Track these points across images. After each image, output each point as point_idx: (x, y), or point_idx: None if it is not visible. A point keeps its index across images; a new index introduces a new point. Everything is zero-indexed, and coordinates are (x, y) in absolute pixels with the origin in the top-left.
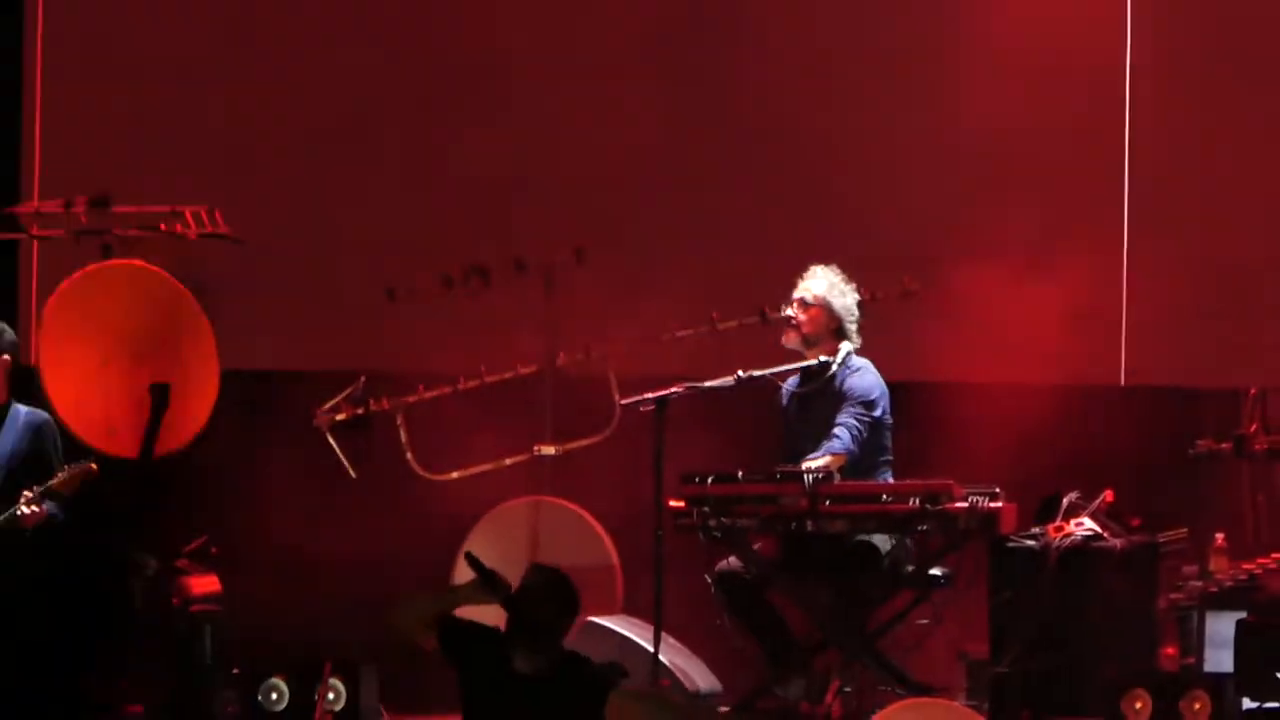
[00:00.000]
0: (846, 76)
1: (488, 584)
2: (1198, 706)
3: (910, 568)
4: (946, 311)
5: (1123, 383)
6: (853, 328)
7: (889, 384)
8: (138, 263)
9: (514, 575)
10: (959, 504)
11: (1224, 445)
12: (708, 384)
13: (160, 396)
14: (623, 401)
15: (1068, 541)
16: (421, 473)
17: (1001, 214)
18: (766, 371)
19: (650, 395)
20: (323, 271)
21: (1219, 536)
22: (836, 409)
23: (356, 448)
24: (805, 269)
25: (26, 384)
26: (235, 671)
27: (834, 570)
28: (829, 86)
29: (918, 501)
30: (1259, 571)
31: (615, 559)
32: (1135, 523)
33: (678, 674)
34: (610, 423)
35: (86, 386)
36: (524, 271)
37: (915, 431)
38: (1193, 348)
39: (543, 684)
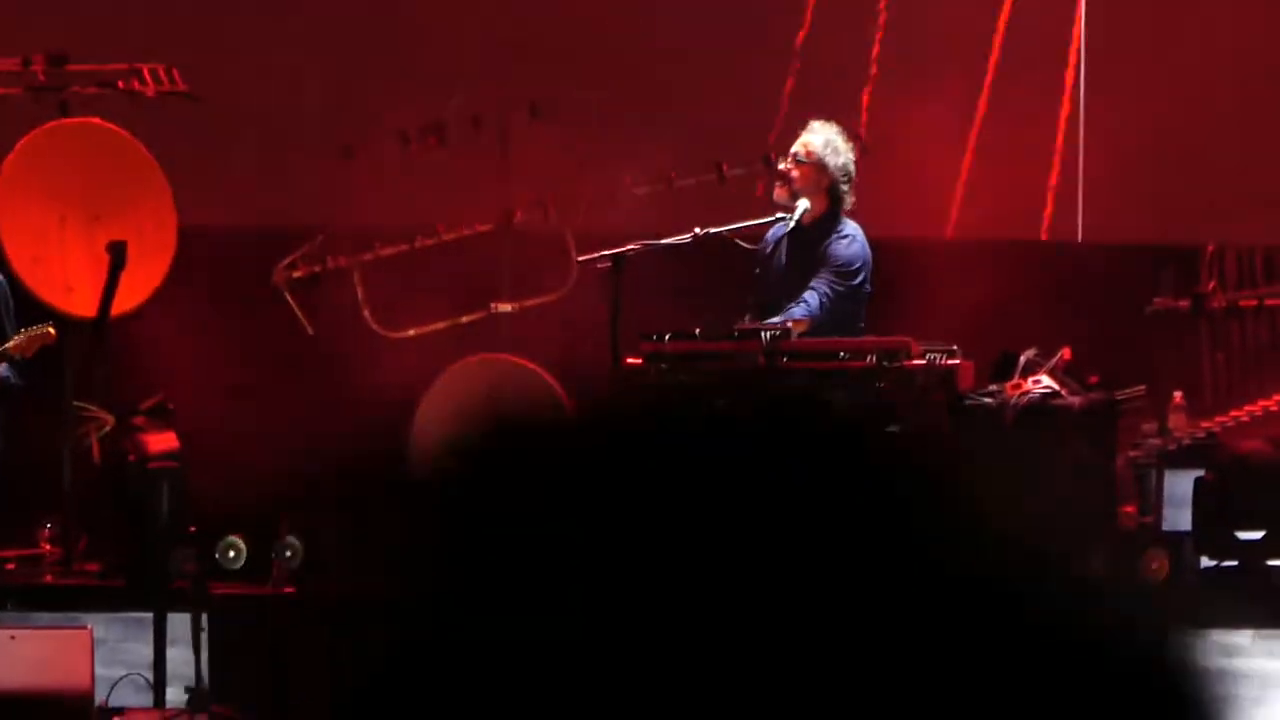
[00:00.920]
0: None
1: None
2: (1155, 564)
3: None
4: (902, 168)
5: (1080, 239)
6: (845, 188)
7: None
8: (95, 120)
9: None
10: (917, 361)
11: (1182, 303)
12: (665, 241)
13: (118, 254)
14: (579, 259)
15: (1025, 399)
16: (378, 330)
17: (957, 67)
18: (724, 229)
19: (607, 252)
20: (280, 129)
21: (1177, 394)
22: (817, 270)
23: (313, 304)
24: (765, 125)
25: None
26: (192, 529)
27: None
28: None
29: (875, 359)
30: (1217, 430)
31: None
32: (1093, 380)
33: None
34: (567, 280)
35: (44, 245)
36: (480, 128)
37: (874, 289)
38: (1150, 205)
39: None
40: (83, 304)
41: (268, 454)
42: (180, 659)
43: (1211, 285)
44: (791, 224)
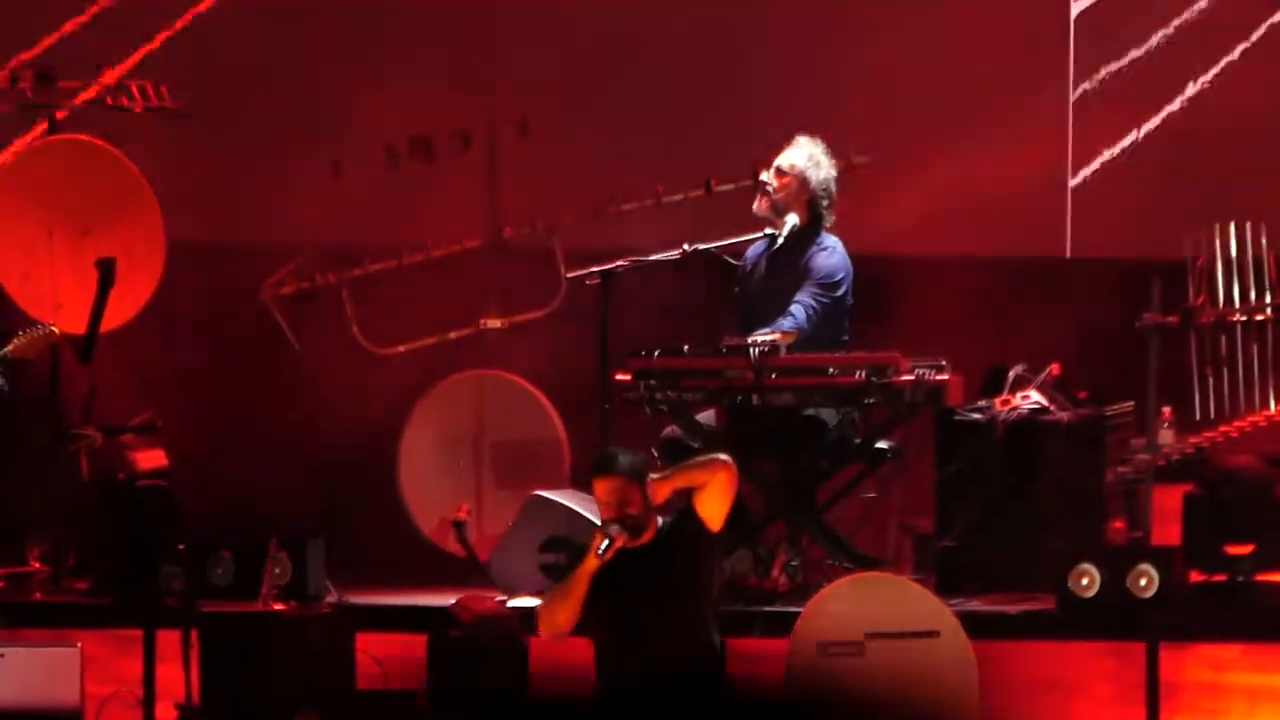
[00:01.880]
0: None
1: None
2: (1144, 581)
3: (857, 441)
4: (893, 184)
5: (1068, 255)
6: (825, 203)
7: None
8: (84, 137)
9: (460, 449)
10: (905, 377)
11: (1170, 318)
12: (654, 257)
13: (107, 271)
14: (568, 275)
15: (1014, 415)
16: (367, 346)
17: (947, 85)
18: (713, 245)
19: (595, 268)
20: (268, 145)
21: (1166, 410)
22: (798, 285)
23: (302, 321)
24: (754, 141)
25: None
26: (181, 547)
27: (780, 444)
28: None
29: (864, 374)
30: (1206, 445)
31: (562, 432)
32: (1082, 396)
33: None
34: (556, 296)
35: (33, 261)
36: (469, 145)
37: (862, 305)
38: (1139, 219)
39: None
40: (72, 320)
41: (256, 471)
42: (170, 676)
43: (1200, 300)
44: (780, 240)
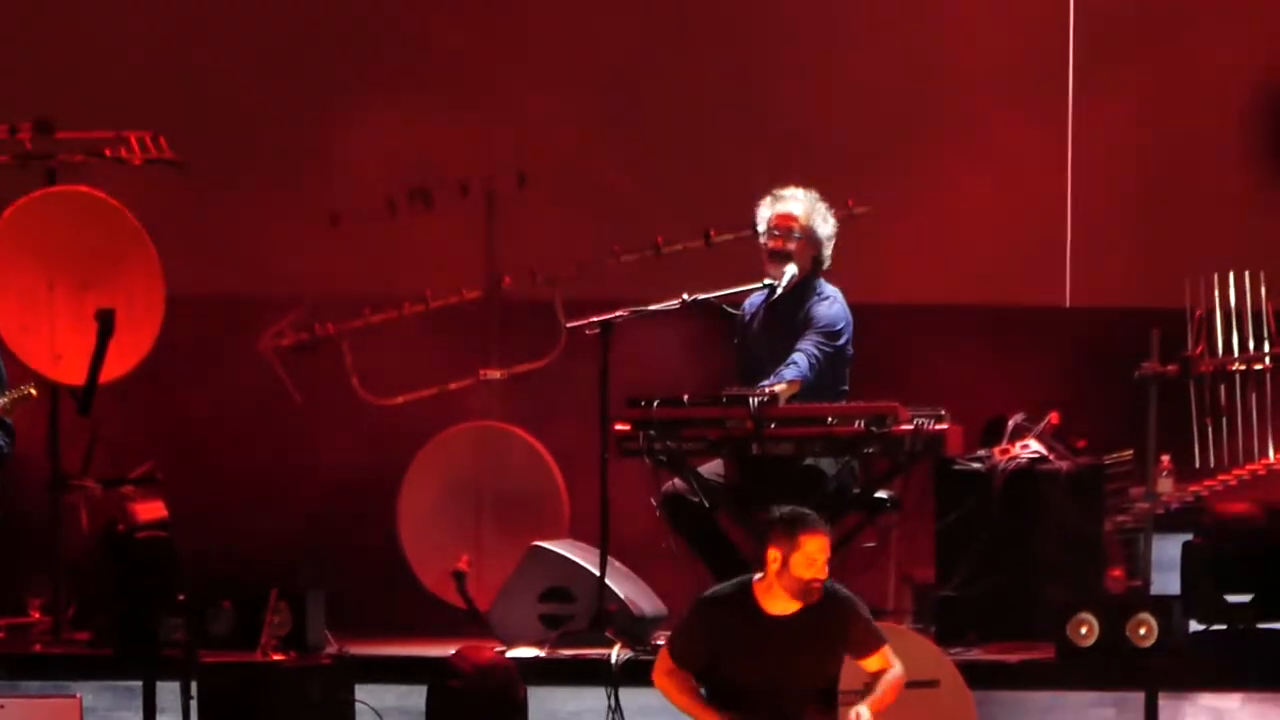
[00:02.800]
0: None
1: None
2: (1144, 630)
3: (856, 491)
4: (892, 234)
5: (1068, 304)
6: (828, 253)
7: None
8: (83, 188)
9: (460, 499)
10: (905, 426)
11: (1170, 367)
12: (653, 307)
13: (106, 322)
14: (568, 325)
15: (1013, 464)
16: (367, 398)
17: (946, 135)
18: (712, 294)
19: (595, 318)
20: (267, 196)
21: (1165, 459)
22: (799, 335)
23: (302, 373)
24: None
25: None
26: (181, 598)
27: (780, 493)
28: (770, 11)
29: (863, 424)
30: (1205, 494)
31: (561, 483)
32: (1081, 445)
33: (623, 598)
34: (556, 347)
35: (32, 312)
36: (467, 195)
37: (861, 354)
38: (1138, 269)
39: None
40: (71, 372)
41: (256, 522)
42: None
43: (1199, 350)
44: (780, 290)
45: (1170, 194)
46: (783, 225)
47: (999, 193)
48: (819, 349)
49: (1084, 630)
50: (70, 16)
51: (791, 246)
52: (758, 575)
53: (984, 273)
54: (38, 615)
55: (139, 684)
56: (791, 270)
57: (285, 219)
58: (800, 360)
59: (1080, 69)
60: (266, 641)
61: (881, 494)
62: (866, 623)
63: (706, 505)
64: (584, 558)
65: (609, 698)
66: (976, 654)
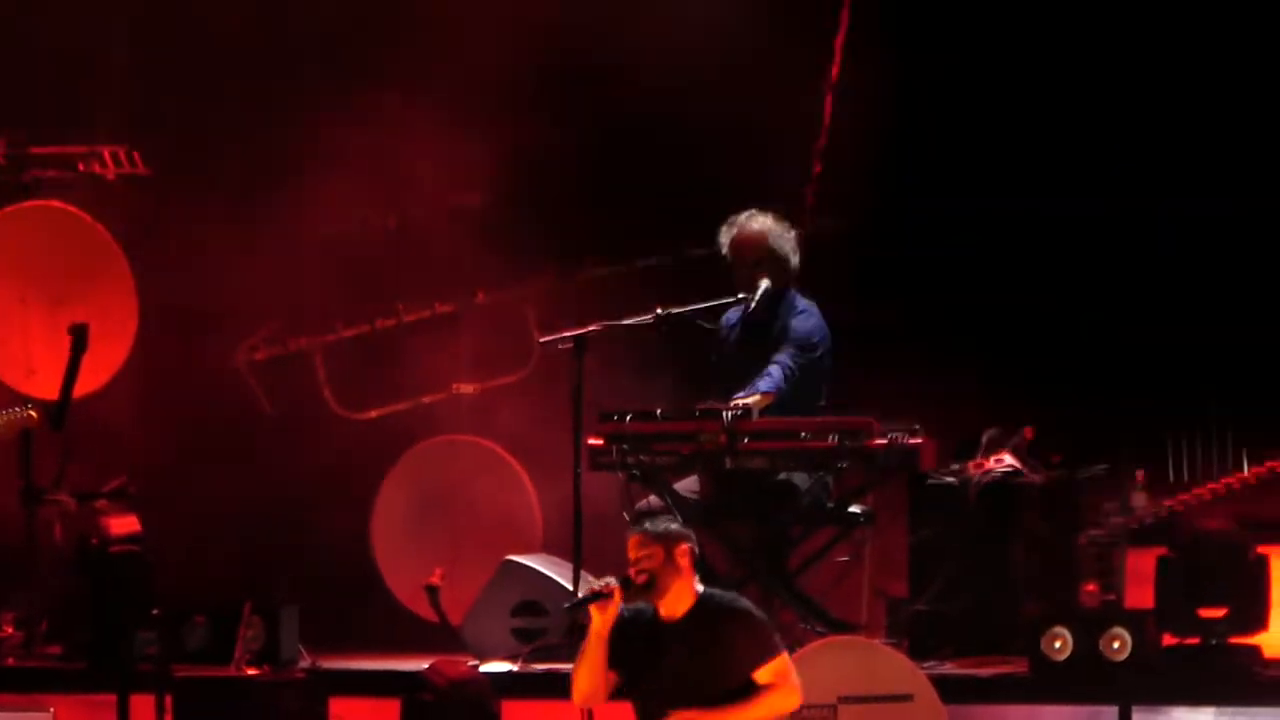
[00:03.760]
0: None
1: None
2: (1118, 644)
3: (830, 505)
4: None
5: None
6: (793, 265)
7: None
8: (56, 203)
9: (433, 513)
10: (878, 441)
11: None
12: (626, 321)
13: (79, 337)
14: (541, 339)
15: (988, 478)
16: (340, 411)
17: None
18: (685, 309)
19: (568, 333)
20: (239, 210)
21: (1139, 473)
22: (776, 348)
23: (274, 387)
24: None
25: None
26: (155, 612)
27: (753, 508)
28: None
29: (837, 438)
30: (1179, 508)
31: (534, 497)
32: (1055, 459)
33: None
34: (528, 361)
35: (5, 327)
36: (440, 210)
37: (835, 369)
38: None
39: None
40: (44, 386)
41: (230, 536)
42: None
43: None
44: (754, 305)
45: None
46: (744, 252)
47: None
48: (794, 361)
49: (1058, 644)
50: (41, 28)
51: (757, 272)
52: None
53: None
54: (11, 629)
55: (113, 698)
56: (765, 284)
57: (257, 234)
58: (775, 372)
59: None
60: (240, 656)
61: (855, 508)
62: (756, 636)
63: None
64: (557, 572)
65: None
66: (950, 668)
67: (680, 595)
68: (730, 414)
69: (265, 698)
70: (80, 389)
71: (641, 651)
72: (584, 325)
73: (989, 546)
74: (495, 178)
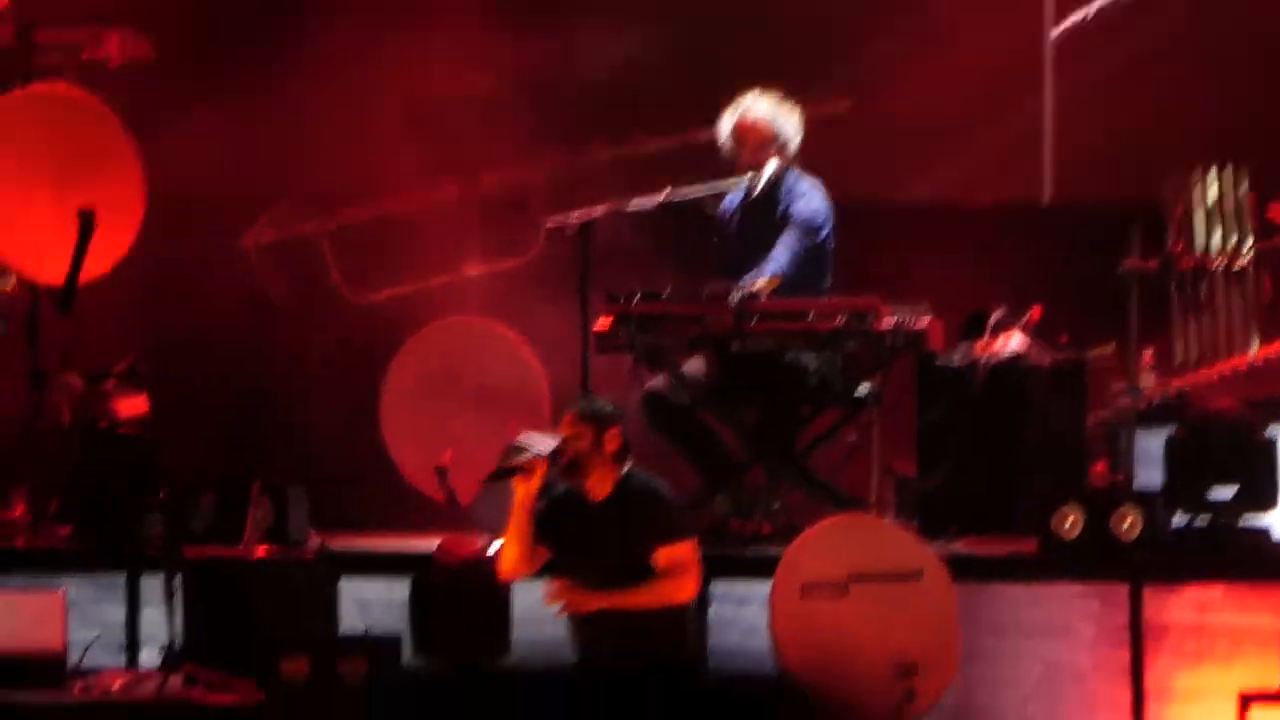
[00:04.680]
0: None
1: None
2: (1128, 522)
3: (837, 386)
4: (873, 131)
5: (1047, 200)
6: (793, 149)
7: None
8: (63, 86)
9: (442, 394)
10: (885, 321)
11: (1151, 263)
12: (632, 205)
13: (87, 222)
14: (547, 224)
15: (995, 359)
16: (348, 295)
17: (928, 32)
18: (691, 191)
19: (574, 216)
20: (245, 94)
21: (1147, 353)
22: (779, 231)
23: (282, 269)
24: (732, 89)
25: None
26: (163, 493)
27: (761, 389)
28: None
29: (844, 319)
30: (1187, 388)
31: (543, 376)
32: (1063, 340)
33: None
34: (535, 244)
35: (12, 212)
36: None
37: (842, 250)
38: (1119, 165)
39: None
40: (51, 271)
41: (238, 417)
42: (153, 620)
43: (1179, 246)
44: (761, 186)
45: (1151, 91)
46: (749, 135)
47: (979, 89)
48: (800, 244)
49: (1068, 523)
50: None
51: (761, 155)
52: None
53: (966, 169)
54: (20, 510)
55: (122, 578)
56: (771, 166)
57: (267, 118)
58: (780, 256)
59: None
60: (250, 536)
61: (862, 389)
62: (661, 517)
63: (688, 402)
64: None
65: None
66: (959, 547)
67: (604, 477)
68: (737, 295)
69: (274, 577)
70: (87, 273)
71: (571, 530)
72: (590, 208)
73: (997, 427)
74: (503, 63)
